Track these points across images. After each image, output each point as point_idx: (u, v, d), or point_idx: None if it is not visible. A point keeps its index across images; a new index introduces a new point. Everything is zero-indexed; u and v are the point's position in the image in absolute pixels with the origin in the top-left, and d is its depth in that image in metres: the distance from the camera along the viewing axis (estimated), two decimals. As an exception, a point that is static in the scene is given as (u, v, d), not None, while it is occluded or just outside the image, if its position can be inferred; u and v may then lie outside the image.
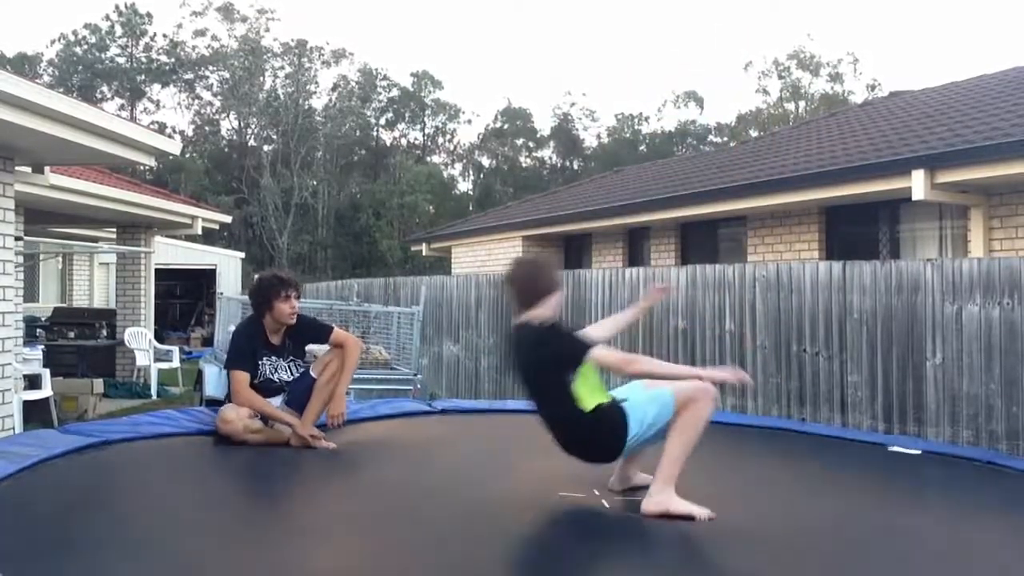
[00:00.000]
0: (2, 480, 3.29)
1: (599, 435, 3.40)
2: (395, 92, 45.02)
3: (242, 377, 4.49)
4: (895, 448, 4.82)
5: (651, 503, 3.32)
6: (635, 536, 3.25)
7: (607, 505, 3.54)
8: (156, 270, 13.43)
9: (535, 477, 3.94)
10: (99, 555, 2.72)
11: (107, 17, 40.32)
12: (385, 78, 44.96)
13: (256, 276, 5.08)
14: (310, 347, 4.90)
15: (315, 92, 41.40)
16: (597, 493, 3.64)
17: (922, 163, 7.07)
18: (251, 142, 41.05)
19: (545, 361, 3.42)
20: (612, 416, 3.38)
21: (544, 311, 3.49)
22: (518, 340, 3.55)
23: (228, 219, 15.44)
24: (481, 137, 47.13)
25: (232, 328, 8.16)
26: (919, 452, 4.75)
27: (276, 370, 4.68)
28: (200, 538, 3.01)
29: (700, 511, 3.28)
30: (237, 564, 2.78)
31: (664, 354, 7.22)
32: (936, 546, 3.26)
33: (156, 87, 41.91)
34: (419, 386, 7.02)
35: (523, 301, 3.53)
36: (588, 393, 3.38)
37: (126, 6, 40.13)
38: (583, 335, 3.49)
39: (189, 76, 41.24)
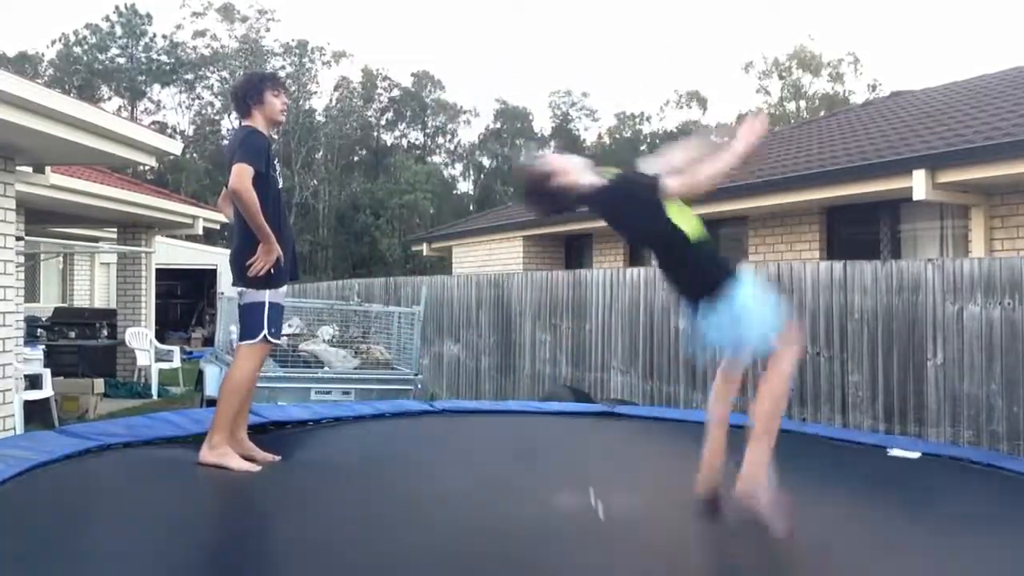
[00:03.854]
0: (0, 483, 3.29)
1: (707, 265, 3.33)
2: (396, 92, 45.05)
3: (250, 171, 3.81)
4: (894, 452, 4.80)
5: (744, 489, 3.17)
6: (631, 535, 3.24)
7: (602, 505, 3.57)
8: (157, 270, 13.42)
9: (534, 479, 3.93)
10: (92, 560, 2.71)
11: (107, 18, 40.32)
12: (386, 78, 45.01)
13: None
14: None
15: (316, 92, 41.44)
16: (592, 492, 3.66)
17: (923, 163, 7.06)
18: (251, 142, 41.04)
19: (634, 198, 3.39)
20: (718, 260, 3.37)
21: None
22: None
23: (229, 219, 15.41)
24: (481, 137, 47.14)
25: (233, 328, 8.18)
26: (918, 455, 4.73)
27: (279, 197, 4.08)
28: (195, 542, 3.01)
29: (778, 524, 3.08)
30: (231, 565, 2.78)
31: (664, 354, 7.22)
32: (932, 546, 3.26)
33: (156, 87, 41.90)
34: (419, 386, 7.02)
35: None
36: (686, 222, 3.31)
37: (126, 7, 40.12)
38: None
39: (189, 76, 41.23)
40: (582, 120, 48.85)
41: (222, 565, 2.85)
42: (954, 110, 9.23)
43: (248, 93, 4.08)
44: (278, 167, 4.13)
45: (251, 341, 3.96)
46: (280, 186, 4.12)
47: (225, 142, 41.22)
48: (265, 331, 3.93)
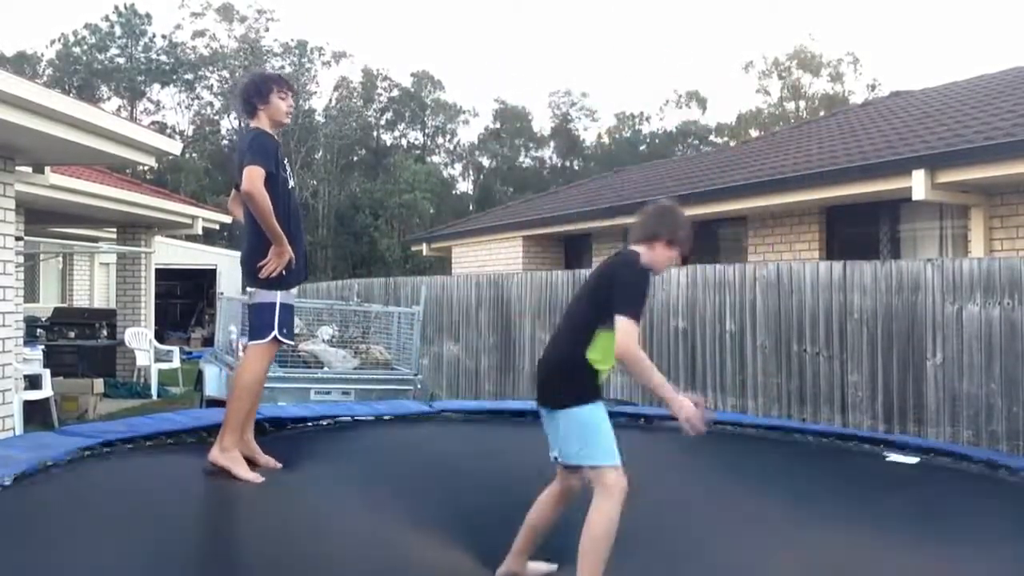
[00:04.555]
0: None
1: (574, 381, 3.26)
2: (396, 92, 45.05)
3: (262, 173, 3.82)
4: (892, 458, 4.76)
5: None
6: (627, 524, 3.24)
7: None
8: (156, 270, 13.43)
9: (535, 478, 3.93)
10: (92, 561, 2.71)
11: (106, 18, 40.27)
12: (386, 78, 45.00)
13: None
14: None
15: (316, 92, 41.43)
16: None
17: (923, 163, 7.06)
18: (251, 142, 40.99)
19: (604, 286, 3.28)
20: (592, 386, 3.25)
21: (647, 253, 3.36)
22: (605, 261, 3.48)
23: (229, 219, 15.40)
24: (481, 137, 47.15)
25: (233, 328, 8.20)
26: (916, 460, 4.70)
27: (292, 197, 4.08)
28: (195, 543, 3.01)
29: None
30: (231, 566, 2.78)
31: (664, 354, 7.22)
32: (933, 546, 3.26)
33: (156, 87, 41.86)
34: (419, 386, 7.01)
35: (636, 234, 3.43)
36: (601, 353, 3.24)
37: (125, 7, 40.09)
38: (637, 307, 3.28)
39: (189, 76, 41.22)
40: (582, 120, 48.83)
41: (221, 566, 2.85)
42: (954, 110, 9.23)
43: (254, 94, 4.07)
44: (288, 167, 4.13)
45: (261, 341, 3.96)
46: (291, 186, 4.11)
47: (225, 142, 41.37)
48: (275, 331, 3.93)
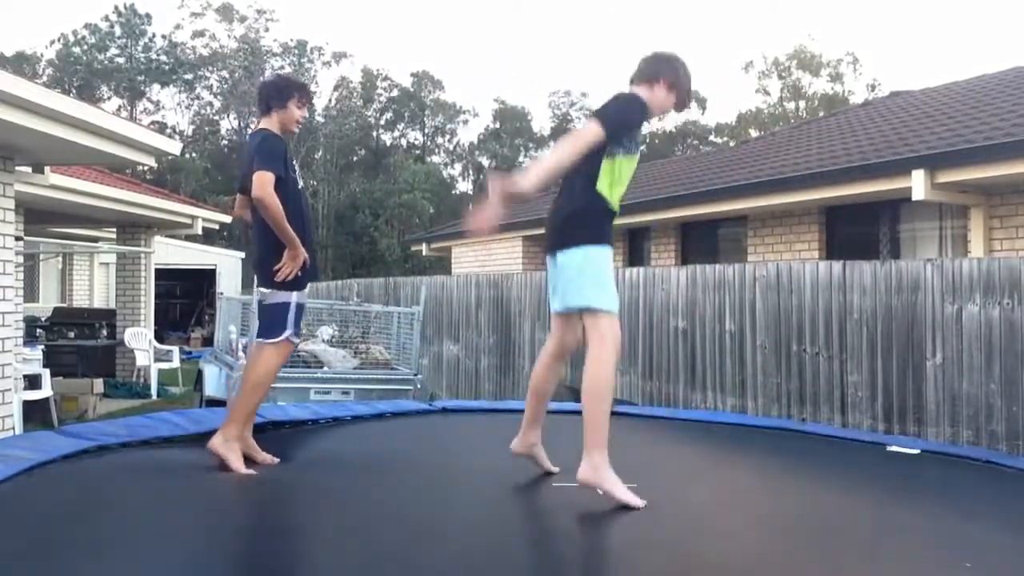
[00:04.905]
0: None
1: (586, 221, 3.29)
2: (395, 92, 45.09)
3: (271, 178, 3.82)
4: (894, 448, 4.83)
5: (586, 471, 3.22)
6: (628, 523, 3.24)
7: (601, 492, 3.57)
8: (156, 270, 13.43)
9: (535, 478, 3.94)
10: (91, 560, 2.71)
11: (106, 18, 40.33)
12: (386, 78, 45.04)
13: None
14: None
15: (315, 92, 41.47)
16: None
17: (922, 163, 7.07)
18: (251, 142, 41.00)
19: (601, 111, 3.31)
20: (603, 227, 3.29)
21: (646, 93, 3.43)
22: None
23: (228, 219, 15.41)
24: (480, 137, 47.20)
25: (233, 328, 8.21)
26: (918, 451, 4.75)
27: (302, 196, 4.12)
28: (194, 542, 3.01)
29: (632, 499, 3.17)
30: (230, 565, 2.78)
31: (664, 354, 7.23)
32: (935, 546, 3.26)
33: (156, 87, 41.91)
34: (419, 386, 7.02)
35: (637, 75, 3.51)
36: (607, 179, 3.26)
37: (125, 7, 40.12)
38: (627, 125, 3.34)
39: (188, 76, 41.25)
40: (582, 120, 48.76)
41: (221, 565, 2.85)
42: (954, 110, 9.23)
43: (274, 94, 4.09)
44: (296, 168, 4.14)
45: (275, 340, 3.99)
46: (300, 186, 4.13)
47: (225, 142, 41.39)
48: (290, 331, 3.98)
